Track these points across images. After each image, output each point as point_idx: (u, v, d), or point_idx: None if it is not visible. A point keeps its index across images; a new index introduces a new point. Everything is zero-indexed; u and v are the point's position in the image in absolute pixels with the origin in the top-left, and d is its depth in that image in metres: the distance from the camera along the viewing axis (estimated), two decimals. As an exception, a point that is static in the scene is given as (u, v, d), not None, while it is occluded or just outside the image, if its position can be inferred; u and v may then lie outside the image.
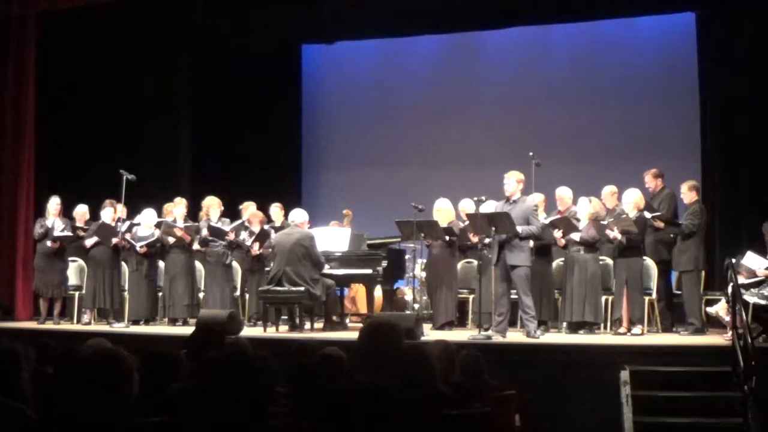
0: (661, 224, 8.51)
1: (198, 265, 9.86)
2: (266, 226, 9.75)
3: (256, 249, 9.58)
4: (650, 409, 6.44)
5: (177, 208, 9.85)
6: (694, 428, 6.29)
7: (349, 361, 4.12)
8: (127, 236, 9.57)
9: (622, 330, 8.19)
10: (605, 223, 8.35)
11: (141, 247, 9.53)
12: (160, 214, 9.98)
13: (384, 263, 9.06)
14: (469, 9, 10.90)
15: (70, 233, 9.85)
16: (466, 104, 12.15)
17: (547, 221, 8.54)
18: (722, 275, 7.95)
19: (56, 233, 9.78)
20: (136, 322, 9.51)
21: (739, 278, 7.16)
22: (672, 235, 8.62)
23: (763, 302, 7.30)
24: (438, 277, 9.09)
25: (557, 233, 8.57)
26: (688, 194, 8.58)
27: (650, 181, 9.00)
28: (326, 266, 8.92)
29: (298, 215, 9.09)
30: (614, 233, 8.18)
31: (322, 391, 2.90)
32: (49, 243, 9.80)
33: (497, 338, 7.61)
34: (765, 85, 9.45)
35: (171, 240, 9.57)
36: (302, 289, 8.47)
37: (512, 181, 7.97)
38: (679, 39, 11.03)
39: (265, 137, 12.45)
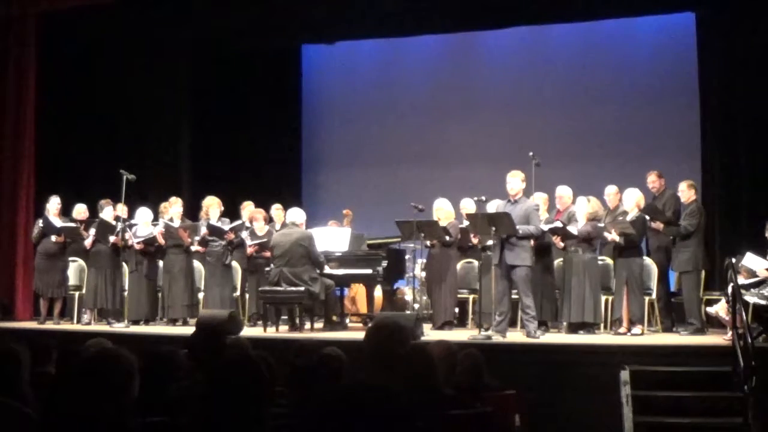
0: (660, 226, 8.51)
1: (198, 265, 9.85)
2: (267, 227, 9.75)
3: (251, 250, 9.56)
4: (650, 409, 6.45)
5: (173, 208, 9.84)
6: (694, 428, 6.29)
7: (351, 360, 4.11)
8: (128, 235, 9.55)
9: (622, 330, 8.19)
10: (602, 225, 8.35)
11: (138, 243, 9.51)
12: (157, 214, 9.98)
13: (384, 263, 9.06)
14: (469, 9, 10.88)
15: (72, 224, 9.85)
16: (465, 104, 12.15)
17: (546, 228, 8.50)
18: (722, 275, 7.95)
19: (59, 225, 9.75)
20: (136, 322, 9.50)
21: (739, 278, 7.16)
22: (671, 237, 8.62)
23: (763, 302, 7.30)
24: (438, 277, 9.09)
25: (555, 239, 8.58)
26: (686, 192, 8.57)
27: (655, 180, 8.97)
28: (326, 266, 8.92)
29: (297, 215, 9.02)
30: (612, 236, 8.19)
31: (322, 391, 2.90)
32: (54, 238, 9.77)
33: (497, 338, 7.61)
34: (765, 85, 9.45)
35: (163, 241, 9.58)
36: (302, 289, 8.47)
37: (517, 180, 7.97)
38: (679, 39, 11.01)
39: (265, 137, 12.45)
